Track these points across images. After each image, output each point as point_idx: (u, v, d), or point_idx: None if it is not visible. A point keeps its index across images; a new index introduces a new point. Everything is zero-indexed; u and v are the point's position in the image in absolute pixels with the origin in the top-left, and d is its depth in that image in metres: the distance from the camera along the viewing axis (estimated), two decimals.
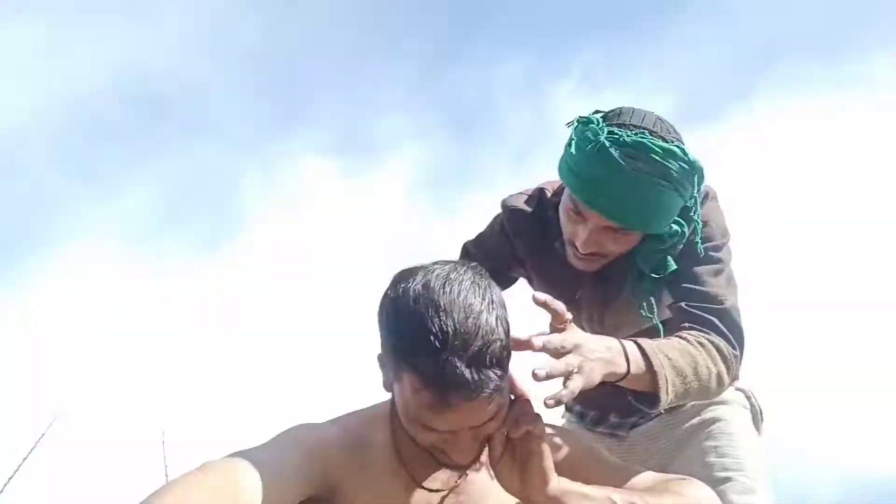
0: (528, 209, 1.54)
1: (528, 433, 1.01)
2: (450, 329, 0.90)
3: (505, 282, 1.64)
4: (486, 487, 1.09)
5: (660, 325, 1.46)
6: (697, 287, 1.38)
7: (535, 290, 1.57)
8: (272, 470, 0.95)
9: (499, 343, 0.93)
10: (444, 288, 0.93)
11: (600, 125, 1.31)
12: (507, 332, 0.97)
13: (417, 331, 0.91)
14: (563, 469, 1.08)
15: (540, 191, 1.55)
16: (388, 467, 1.08)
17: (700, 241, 1.38)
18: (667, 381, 1.19)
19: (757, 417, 1.61)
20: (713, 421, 1.55)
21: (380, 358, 1.04)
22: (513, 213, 1.55)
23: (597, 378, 1.08)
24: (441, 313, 0.91)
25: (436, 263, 1.00)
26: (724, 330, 1.33)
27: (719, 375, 1.29)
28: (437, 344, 0.89)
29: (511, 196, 1.58)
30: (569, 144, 1.36)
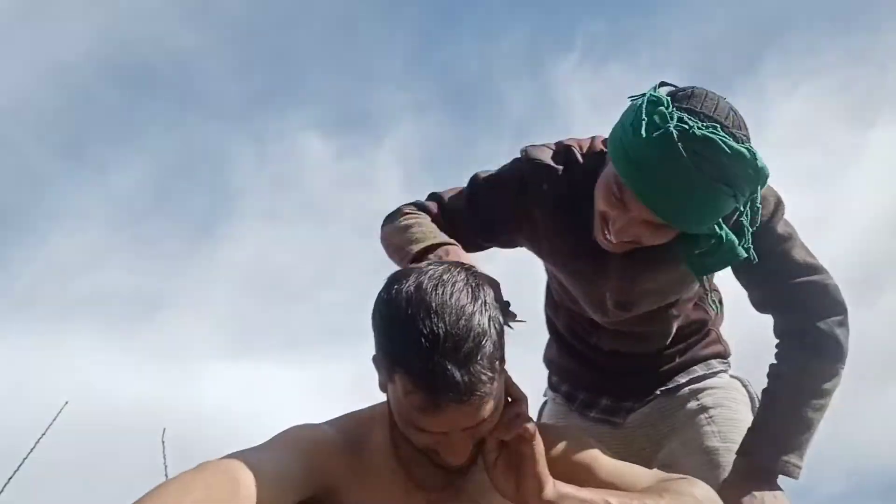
0: (558, 167, 1.39)
1: (520, 436, 1.01)
2: (441, 331, 0.89)
3: (502, 242, 1.53)
4: (485, 489, 1.09)
5: (716, 303, 1.54)
6: (782, 264, 1.35)
7: (546, 257, 1.48)
8: (270, 470, 0.95)
9: (490, 345, 0.92)
10: (436, 290, 0.92)
11: (670, 109, 1.16)
12: (500, 333, 0.96)
13: (409, 333, 0.90)
14: (560, 470, 1.08)
15: (567, 149, 1.41)
16: (386, 468, 1.08)
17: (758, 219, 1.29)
18: (793, 460, 1.34)
19: (754, 405, 1.60)
20: (714, 406, 1.56)
21: (374, 359, 1.04)
22: (537, 168, 1.40)
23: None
24: (432, 315, 0.90)
25: (430, 265, 1.00)
26: (824, 309, 1.35)
27: (834, 385, 1.37)
28: (427, 346, 0.89)
29: (534, 148, 1.44)
30: (630, 123, 1.20)
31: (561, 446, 1.15)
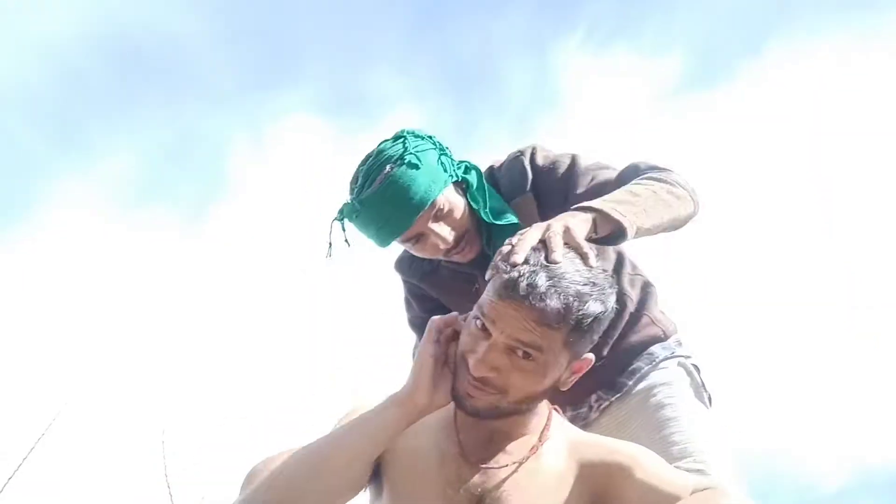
0: (403, 253, 1.70)
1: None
2: (560, 267, 1.01)
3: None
4: (525, 487, 1.11)
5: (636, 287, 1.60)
6: (595, 184, 1.50)
7: (448, 306, 1.72)
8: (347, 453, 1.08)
9: (594, 286, 1.02)
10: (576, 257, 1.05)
11: (345, 205, 1.52)
12: (605, 307, 1.04)
13: (534, 254, 1.03)
14: (598, 479, 1.11)
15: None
16: (434, 435, 1.14)
17: (560, 177, 1.53)
18: (619, 212, 1.27)
19: (700, 391, 1.60)
20: (659, 407, 1.54)
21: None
22: (399, 263, 1.72)
23: (579, 226, 1.15)
24: (565, 267, 1.02)
25: None
26: (642, 168, 1.46)
27: (666, 189, 1.39)
28: (540, 263, 1.01)
29: (396, 258, 1.75)
30: (347, 240, 1.56)
31: (600, 448, 1.16)
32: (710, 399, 1.61)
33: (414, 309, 1.73)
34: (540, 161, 1.58)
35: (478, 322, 1.03)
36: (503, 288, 0.99)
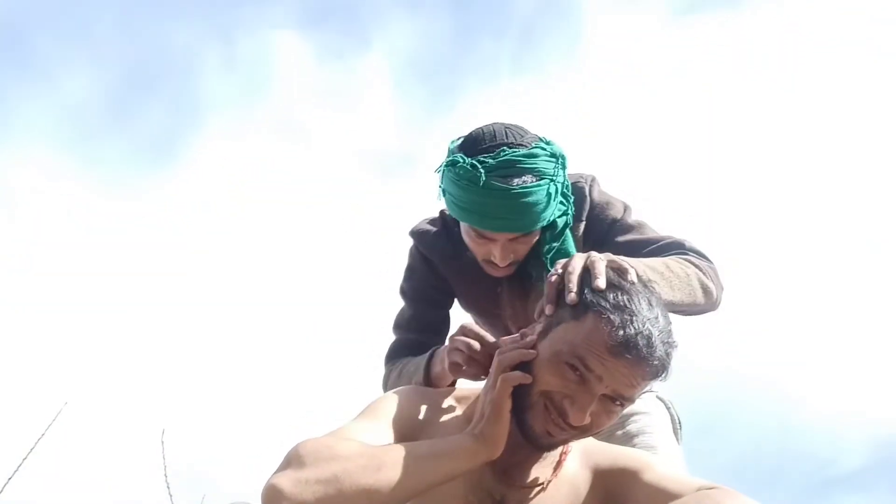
0: (434, 228, 1.67)
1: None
2: (651, 308, 1.03)
3: (447, 305, 1.75)
4: (554, 491, 1.12)
5: None
6: (637, 239, 1.54)
7: (464, 307, 1.73)
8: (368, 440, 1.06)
9: (672, 355, 1.04)
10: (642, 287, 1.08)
11: (466, 161, 1.42)
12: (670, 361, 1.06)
13: (624, 294, 1.03)
14: (609, 483, 1.12)
15: (441, 212, 1.69)
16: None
17: (609, 219, 1.57)
18: (645, 268, 1.29)
19: (676, 427, 1.66)
20: (638, 433, 1.59)
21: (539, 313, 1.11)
22: (421, 235, 1.68)
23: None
24: (646, 298, 1.05)
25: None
26: (689, 246, 1.50)
27: (698, 277, 1.42)
28: (641, 306, 1.02)
29: (415, 224, 1.72)
30: (447, 185, 1.49)
31: (610, 454, 1.18)
32: (680, 437, 1.67)
33: (415, 280, 1.72)
34: (596, 196, 1.61)
35: (576, 372, 1.02)
36: (619, 346, 0.99)
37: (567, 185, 1.52)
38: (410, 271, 1.73)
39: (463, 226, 1.53)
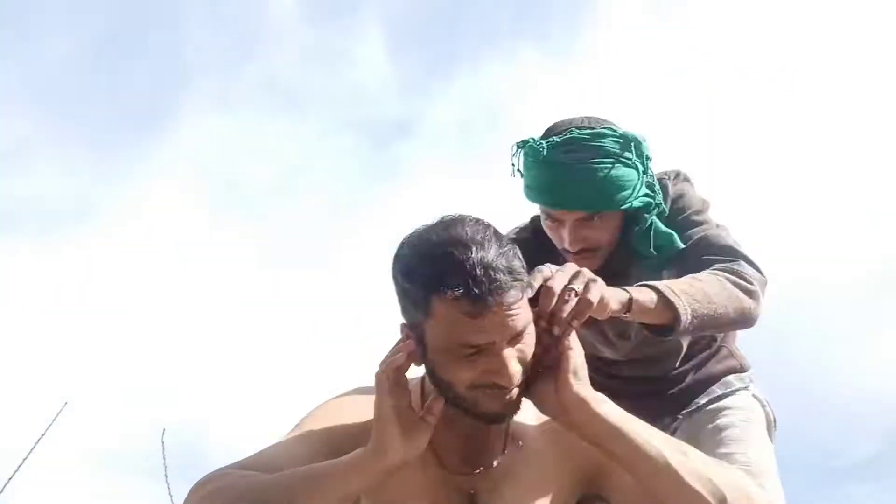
0: (525, 235, 1.66)
1: (566, 329, 1.05)
2: (468, 239, 0.98)
3: None
4: (514, 477, 1.11)
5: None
6: (702, 241, 1.51)
7: None
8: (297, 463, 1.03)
9: (513, 249, 1.01)
10: (455, 224, 1.01)
11: (535, 141, 1.48)
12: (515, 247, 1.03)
13: (441, 255, 0.98)
14: (588, 462, 1.11)
15: (531, 219, 1.68)
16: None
17: (681, 212, 1.55)
18: (675, 294, 1.28)
19: (770, 426, 1.66)
20: (727, 427, 1.59)
21: (403, 327, 1.07)
22: (537, 231, 1.63)
23: (607, 295, 1.14)
24: (458, 237, 0.99)
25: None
26: (742, 255, 1.47)
27: (740, 292, 1.39)
28: (461, 255, 0.96)
29: (506, 233, 1.66)
30: (519, 168, 1.54)
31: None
32: (773, 437, 1.67)
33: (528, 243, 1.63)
34: (676, 188, 1.59)
35: (473, 354, 1.00)
36: (477, 308, 0.96)
37: (652, 176, 1.52)
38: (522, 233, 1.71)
39: (540, 214, 1.56)
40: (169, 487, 2.16)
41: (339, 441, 1.09)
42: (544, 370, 1.06)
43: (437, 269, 0.97)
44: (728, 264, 1.45)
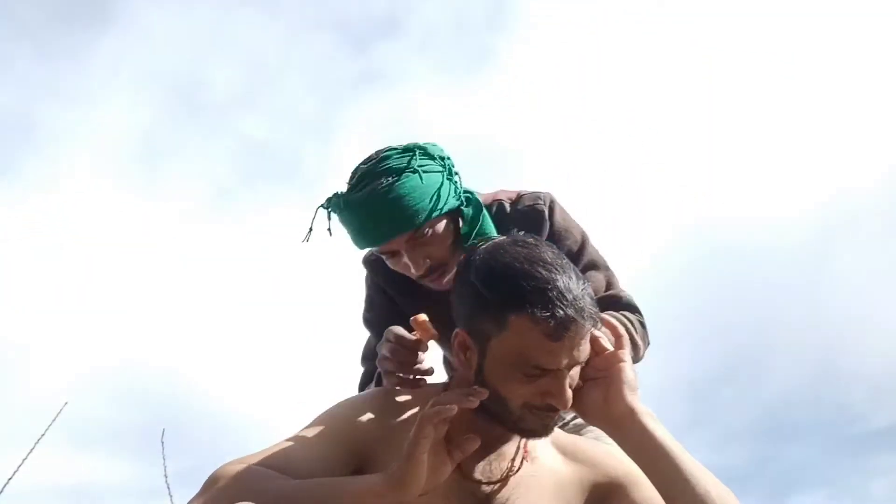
0: (375, 253, 1.65)
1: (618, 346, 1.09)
2: (550, 263, 1.01)
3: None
4: (528, 488, 1.11)
5: None
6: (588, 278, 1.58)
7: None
8: (314, 458, 1.06)
9: (587, 281, 1.04)
10: (535, 245, 1.05)
11: (333, 196, 1.49)
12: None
13: (525, 272, 1.00)
14: (600, 482, 1.14)
15: (362, 261, 1.72)
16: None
17: (565, 250, 1.54)
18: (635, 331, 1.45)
19: None
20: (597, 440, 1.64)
21: (460, 334, 1.08)
22: (372, 264, 1.69)
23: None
24: (541, 258, 1.02)
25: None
26: (630, 305, 1.58)
27: (642, 335, 1.54)
28: (546, 276, 0.99)
29: (367, 253, 1.71)
30: (329, 228, 1.54)
31: (592, 454, 1.18)
32: None
33: (376, 309, 1.72)
34: (557, 220, 1.61)
35: (537, 373, 1.01)
36: (558, 331, 0.98)
37: (440, 172, 1.49)
38: (370, 302, 1.74)
39: (381, 258, 1.56)
40: (169, 487, 2.16)
41: (359, 444, 1.10)
42: (589, 381, 1.08)
43: (521, 285, 0.99)
44: (636, 315, 1.57)
